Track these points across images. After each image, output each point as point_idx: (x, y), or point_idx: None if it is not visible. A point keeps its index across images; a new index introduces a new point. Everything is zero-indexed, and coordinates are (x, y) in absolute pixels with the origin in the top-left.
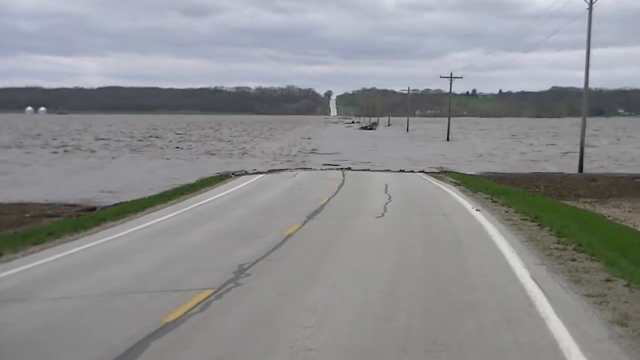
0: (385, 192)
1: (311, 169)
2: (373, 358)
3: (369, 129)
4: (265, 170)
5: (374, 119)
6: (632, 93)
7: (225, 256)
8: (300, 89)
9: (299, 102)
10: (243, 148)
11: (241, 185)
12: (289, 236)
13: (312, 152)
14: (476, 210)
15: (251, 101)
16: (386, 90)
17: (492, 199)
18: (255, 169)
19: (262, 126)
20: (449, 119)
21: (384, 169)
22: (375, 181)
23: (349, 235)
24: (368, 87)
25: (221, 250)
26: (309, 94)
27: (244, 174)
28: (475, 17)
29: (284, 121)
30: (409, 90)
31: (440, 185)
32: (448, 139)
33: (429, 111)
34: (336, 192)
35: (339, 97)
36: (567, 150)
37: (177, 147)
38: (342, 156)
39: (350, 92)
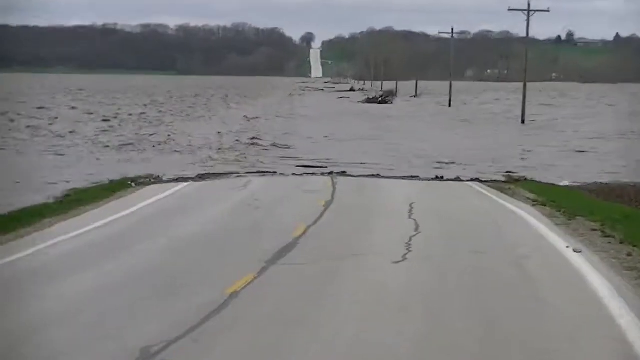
0: (410, 216)
1: (275, 173)
2: None
3: (379, 102)
4: (194, 176)
5: (389, 85)
6: None
7: (117, 334)
8: (259, 30)
9: (257, 54)
10: (154, 134)
11: (151, 202)
12: (233, 295)
13: (274, 145)
14: (575, 251)
15: (170, 51)
16: (411, 33)
17: (602, 231)
18: (177, 175)
19: (188, 96)
20: (524, 86)
21: (406, 175)
22: (390, 196)
23: (340, 300)
24: (378, 28)
25: (108, 321)
26: (275, 40)
27: (155, 181)
28: None
29: (230, 86)
30: (452, 33)
31: (507, 204)
32: (523, 121)
33: (488, 71)
34: (321, 215)
35: (327, 45)
36: None
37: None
38: (330, 151)
39: (347, 37)
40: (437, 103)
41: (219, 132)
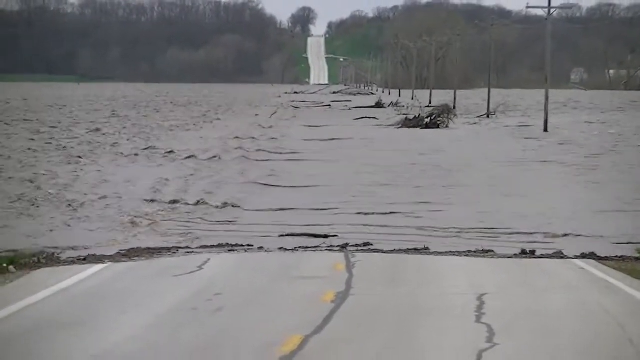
0: (479, 319)
1: (251, 247)
2: None
3: (426, 126)
4: (114, 253)
5: (440, 96)
6: None
7: None
8: (221, 5)
9: (216, 46)
10: (51, 179)
11: (28, 303)
12: None
13: (249, 186)
14: None
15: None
16: (480, 9)
17: None
18: (86, 250)
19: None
20: None
21: (471, 250)
22: (446, 285)
23: None
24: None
25: None
26: (247, 22)
27: (47, 262)
28: None
29: (168, 103)
30: (550, 7)
31: None
32: None
33: (610, 72)
34: (327, 320)
35: (336, 30)
36: None
37: None
38: (345, 206)
39: (370, 15)
40: (524, 126)
41: (161, 180)
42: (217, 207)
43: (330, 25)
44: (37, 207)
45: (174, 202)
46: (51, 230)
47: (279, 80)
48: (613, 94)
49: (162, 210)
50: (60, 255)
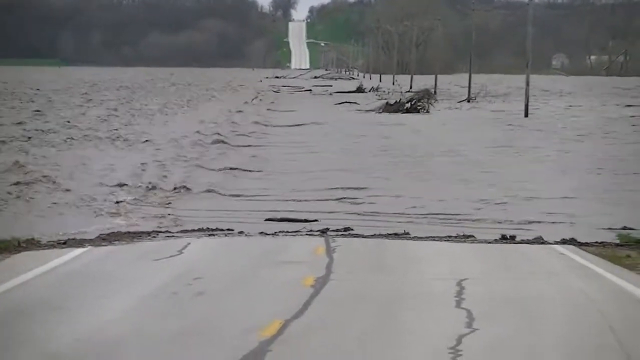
0: (459, 304)
1: (231, 231)
2: None
3: (407, 111)
4: (94, 237)
5: (421, 81)
6: None
7: None
8: None
9: (196, 30)
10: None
11: (9, 286)
12: None
13: (231, 173)
14: None
15: (49, 27)
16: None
17: None
18: (65, 234)
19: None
20: None
21: (452, 235)
22: (427, 269)
23: None
24: None
25: None
26: (228, 5)
27: (26, 246)
28: None
29: (138, 88)
30: None
31: (631, 288)
32: None
33: (591, 58)
34: (307, 304)
35: (317, 14)
36: None
37: None
38: (325, 191)
39: (351, 1)
40: (505, 110)
41: (142, 161)
42: (195, 191)
43: (311, 10)
44: (18, 192)
45: (154, 186)
46: (31, 215)
47: (261, 64)
48: (594, 80)
49: (142, 195)
50: (40, 239)
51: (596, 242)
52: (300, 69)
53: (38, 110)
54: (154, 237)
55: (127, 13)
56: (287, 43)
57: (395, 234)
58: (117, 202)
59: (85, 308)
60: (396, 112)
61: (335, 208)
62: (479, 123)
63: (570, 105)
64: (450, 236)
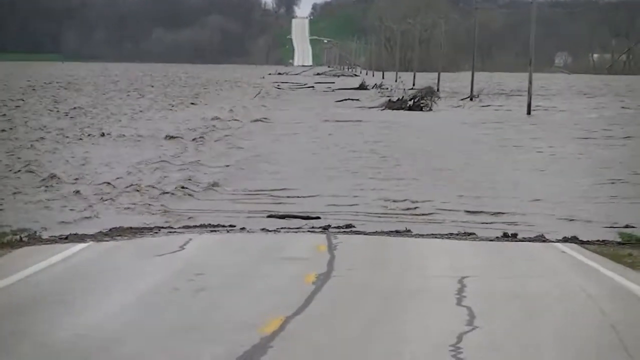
0: (460, 301)
1: (233, 227)
2: None
3: (409, 108)
4: (95, 232)
5: (424, 79)
6: None
7: None
8: None
9: (201, 27)
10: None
11: (11, 281)
12: None
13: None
14: None
15: (51, 23)
16: None
17: None
18: (66, 229)
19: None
20: None
21: (453, 233)
22: (424, 266)
23: None
24: None
25: None
26: (232, 3)
27: (29, 241)
28: None
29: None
30: None
31: (632, 286)
32: None
33: (594, 56)
34: (309, 300)
35: (320, 11)
36: None
37: None
38: (325, 187)
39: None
40: (509, 109)
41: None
42: (198, 188)
43: (314, 7)
44: (19, 186)
45: (156, 181)
46: (33, 209)
47: (264, 61)
48: (597, 78)
49: (144, 190)
50: (42, 234)
51: (598, 241)
52: (303, 65)
53: None
54: (156, 232)
55: (131, 9)
56: (290, 40)
57: (397, 231)
58: (117, 197)
59: (86, 303)
60: (399, 109)
61: (336, 202)
62: (480, 116)
63: (574, 105)
64: (451, 233)
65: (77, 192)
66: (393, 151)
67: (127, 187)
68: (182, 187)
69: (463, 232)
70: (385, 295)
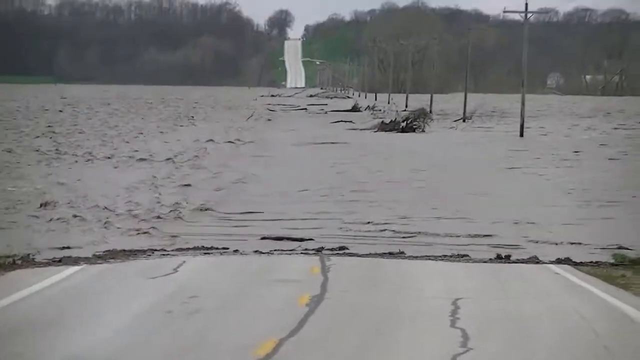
0: (453, 323)
1: (226, 250)
2: None
3: (402, 130)
4: (90, 255)
5: (417, 101)
6: None
7: None
8: (198, 7)
9: (193, 47)
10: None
11: (3, 305)
12: None
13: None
14: None
15: (44, 43)
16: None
17: None
18: (60, 251)
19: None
20: None
21: (447, 254)
22: (418, 288)
23: None
24: (402, 3)
25: None
26: (224, 24)
27: (21, 264)
28: None
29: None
30: (527, 12)
31: (625, 308)
32: None
33: (587, 77)
34: (303, 322)
35: (313, 33)
36: None
37: None
38: (318, 209)
39: (347, 18)
40: (501, 132)
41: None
42: (191, 210)
43: (307, 28)
44: (13, 208)
45: (149, 204)
46: (26, 232)
47: (256, 82)
48: (590, 99)
49: (138, 213)
50: (35, 256)
51: (591, 262)
52: (296, 87)
53: None
54: (149, 255)
55: (123, 31)
56: (283, 62)
57: (390, 253)
58: (111, 220)
59: (79, 326)
60: (391, 131)
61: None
62: (473, 142)
63: (573, 125)
64: (445, 255)
65: (75, 215)
66: (389, 174)
67: (120, 209)
68: (175, 210)
69: (456, 254)
70: (379, 317)
